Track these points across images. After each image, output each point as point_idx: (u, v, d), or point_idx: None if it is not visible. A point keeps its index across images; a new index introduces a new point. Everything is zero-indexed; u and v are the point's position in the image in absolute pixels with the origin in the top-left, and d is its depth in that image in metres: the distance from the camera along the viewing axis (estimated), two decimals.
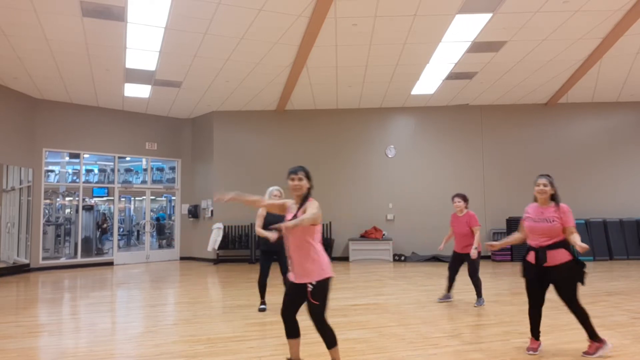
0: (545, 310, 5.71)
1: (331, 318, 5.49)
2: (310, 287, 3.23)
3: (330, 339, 3.31)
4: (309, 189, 3.44)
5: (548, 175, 4.08)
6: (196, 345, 4.44)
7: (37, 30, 7.86)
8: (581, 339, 4.40)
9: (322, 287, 3.25)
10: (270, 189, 5.89)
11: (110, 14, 7.47)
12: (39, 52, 8.67)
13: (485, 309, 5.92)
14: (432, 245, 11.93)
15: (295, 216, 3.34)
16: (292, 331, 3.44)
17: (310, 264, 3.27)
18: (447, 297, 6.51)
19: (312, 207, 3.29)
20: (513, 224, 11.65)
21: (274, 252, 5.80)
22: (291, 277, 3.38)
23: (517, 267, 10.45)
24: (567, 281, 3.89)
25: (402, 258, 11.90)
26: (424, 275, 9.12)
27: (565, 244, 3.95)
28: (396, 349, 4.21)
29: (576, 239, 3.82)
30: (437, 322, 5.23)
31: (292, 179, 3.39)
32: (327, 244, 12.01)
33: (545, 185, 4.00)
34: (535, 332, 4.07)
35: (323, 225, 12.24)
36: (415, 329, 4.93)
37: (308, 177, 3.44)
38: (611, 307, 5.88)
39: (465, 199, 6.35)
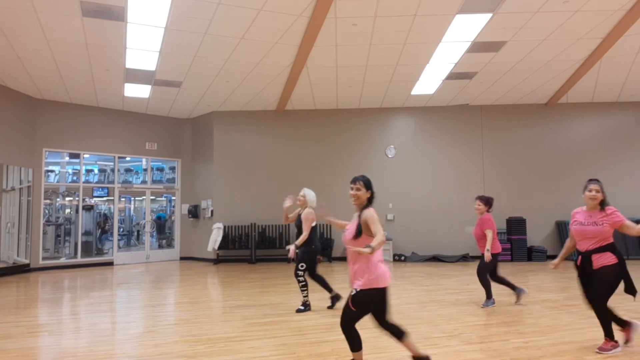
0: (545, 310, 5.71)
1: (331, 318, 5.51)
2: (353, 292, 3.26)
3: (354, 344, 3.35)
4: (369, 199, 3.41)
5: (597, 180, 4.12)
6: (196, 345, 4.44)
7: (37, 30, 7.86)
8: (582, 339, 4.41)
9: (365, 296, 3.23)
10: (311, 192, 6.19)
11: (110, 14, 7.47)
12: (39, 52, 8.67)
13: (485, 308, 5.92)
14: (432, 245, 11.95)
15: (359, 225, 3.29)
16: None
17: (361, 273, 3.26)
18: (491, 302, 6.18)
19: (374, 223, 3.21)
20: (513, 224, 11.64)
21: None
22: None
23: (516, 266, 10.45)
24: (606, 282, 3.93)
25: (402, 258, 11.90)
26: (424, 275, 9.12)
27: (612, 247, 4.00)
28: (396, 349, 4.20)
29: (632, 225, 4.01)
30: (437, 322, 5.23)
31: (351, 188, 3.41)
32: (327, 244, 12.01)
33: (597, 192, 4.07)
34: (610, 330, 4.01)
35: (323, 225, 12.27)
36: (415, 329, 4.93)
37: (367, 186, 3.41)
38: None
39: (486, 202, 6.32)
